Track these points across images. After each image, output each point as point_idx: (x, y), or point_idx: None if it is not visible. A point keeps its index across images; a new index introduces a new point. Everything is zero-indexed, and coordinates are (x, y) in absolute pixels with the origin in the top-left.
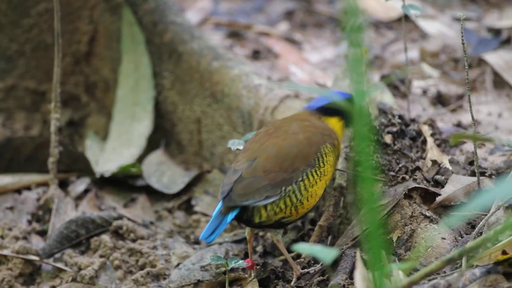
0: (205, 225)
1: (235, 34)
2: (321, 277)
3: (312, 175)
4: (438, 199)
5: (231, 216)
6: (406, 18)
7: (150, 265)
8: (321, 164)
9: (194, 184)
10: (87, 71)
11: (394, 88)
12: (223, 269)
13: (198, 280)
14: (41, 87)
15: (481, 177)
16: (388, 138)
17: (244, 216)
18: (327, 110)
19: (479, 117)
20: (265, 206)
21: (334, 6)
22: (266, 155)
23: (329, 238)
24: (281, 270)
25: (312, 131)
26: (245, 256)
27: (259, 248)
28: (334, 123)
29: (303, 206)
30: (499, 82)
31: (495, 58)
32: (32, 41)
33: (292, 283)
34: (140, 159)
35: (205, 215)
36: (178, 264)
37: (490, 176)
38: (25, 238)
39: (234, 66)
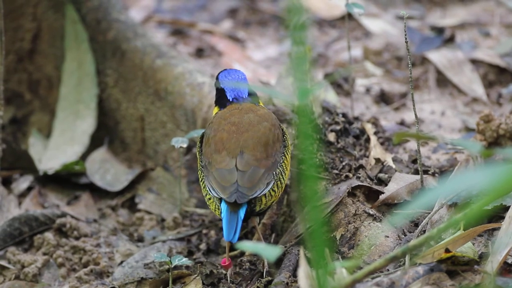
0: (149, 223)
1: (179, 32)
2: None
3: (287, 153)
4: (382, 197)
5: (242, 211)
6: (349, 16)
7: (93, 262)
8: (288, 142)
9: (137, 182)
10: (31, 69)
11: (337, 86)
12: (167, 266)
13: (142, 278)
14: None
15: (424, 175)
16: (331, 136)
17: (249, 209)
18: (251, 95)
19: (422, 116)
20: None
21: (277, 4)
22: (251, 147)
23: (273, 236)
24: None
25: (269, 116)
26: (189, 253)
27: (203, 246)
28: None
29: (282, 186)
30: (442, 80)
31: (438, 56)
32: None
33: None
34: (84, 156)
35: (148, 213)
36: (121, 262)
37: (433, 174)
38: None
39: (177, 64)
